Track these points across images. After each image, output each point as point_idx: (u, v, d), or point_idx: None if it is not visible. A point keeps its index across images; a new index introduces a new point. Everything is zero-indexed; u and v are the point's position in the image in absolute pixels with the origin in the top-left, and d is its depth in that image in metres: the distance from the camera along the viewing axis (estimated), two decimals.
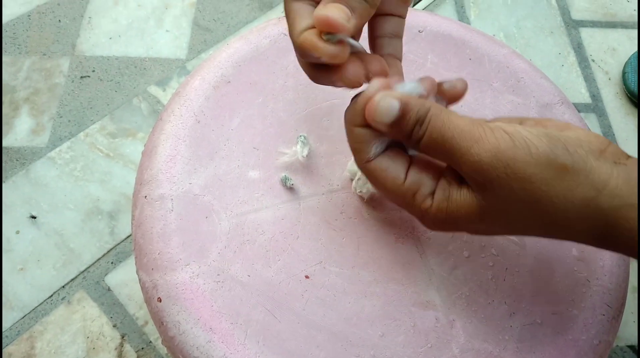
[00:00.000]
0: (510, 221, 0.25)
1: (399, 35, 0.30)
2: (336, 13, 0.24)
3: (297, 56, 0.28)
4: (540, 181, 0.23)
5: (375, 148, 0.27)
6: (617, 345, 0.56)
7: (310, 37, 0.25)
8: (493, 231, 0.27)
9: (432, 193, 0.27)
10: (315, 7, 0.26)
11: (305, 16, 0.26)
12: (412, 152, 0.28)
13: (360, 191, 0.35)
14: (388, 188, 0.27)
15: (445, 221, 0.26)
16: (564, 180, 0.23)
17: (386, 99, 0.26)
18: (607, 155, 0.24)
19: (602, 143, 0.25)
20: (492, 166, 0.24)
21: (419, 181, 0.27)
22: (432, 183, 0.27)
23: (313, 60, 0.27)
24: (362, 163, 0.27)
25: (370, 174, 0.28)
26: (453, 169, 0.26)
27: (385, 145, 0.27)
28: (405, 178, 0.27)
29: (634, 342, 0.56)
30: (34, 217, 0.54)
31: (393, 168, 0.27)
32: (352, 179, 0.35)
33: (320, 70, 0.28)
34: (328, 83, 0.28)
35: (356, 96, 0.27)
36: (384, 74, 0.27)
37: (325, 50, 0.25)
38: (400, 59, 0.30)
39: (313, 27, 0.26)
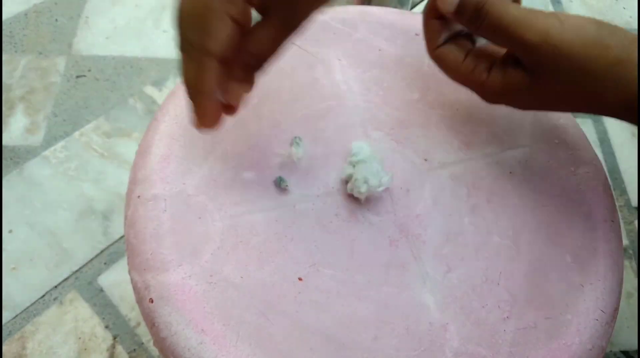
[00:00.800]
0: (556, 95, 0.30)
1: None
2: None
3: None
4: (585, 59, 0.27)
5: (443, 37, 0.34)
6: (611, 351, 0.56)
7: None
8: (541, 105, 0.32)
9: (488, 70, 0.32)
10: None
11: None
12: (478, 44, 0.35)
13: (355, 193, 0.35)
14: (451, 67, 0.33)
15: (499, 93, 0.32)
16: (607, 58, 0.27)
17: None
18: None
19: None
20: (542, 48, 0.28)
21: (476, 60, 0.32)
22: (488, 61, 0.32)
23: None
24: (432, 49, 0.34)
25: (437, 58, 0.34)
26: (510, 53, 0.31)
27: (451, 35, 0.34)
28: (465, 59, 0.33)
29: (628, 347, 0.56)
30: None
31: (455, 51, 0.33)
32: (347, 182, 0.35)
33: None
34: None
35: None
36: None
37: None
38: None
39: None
